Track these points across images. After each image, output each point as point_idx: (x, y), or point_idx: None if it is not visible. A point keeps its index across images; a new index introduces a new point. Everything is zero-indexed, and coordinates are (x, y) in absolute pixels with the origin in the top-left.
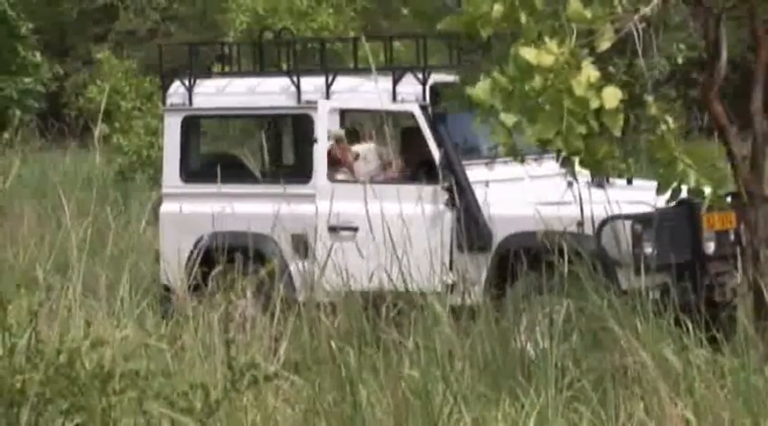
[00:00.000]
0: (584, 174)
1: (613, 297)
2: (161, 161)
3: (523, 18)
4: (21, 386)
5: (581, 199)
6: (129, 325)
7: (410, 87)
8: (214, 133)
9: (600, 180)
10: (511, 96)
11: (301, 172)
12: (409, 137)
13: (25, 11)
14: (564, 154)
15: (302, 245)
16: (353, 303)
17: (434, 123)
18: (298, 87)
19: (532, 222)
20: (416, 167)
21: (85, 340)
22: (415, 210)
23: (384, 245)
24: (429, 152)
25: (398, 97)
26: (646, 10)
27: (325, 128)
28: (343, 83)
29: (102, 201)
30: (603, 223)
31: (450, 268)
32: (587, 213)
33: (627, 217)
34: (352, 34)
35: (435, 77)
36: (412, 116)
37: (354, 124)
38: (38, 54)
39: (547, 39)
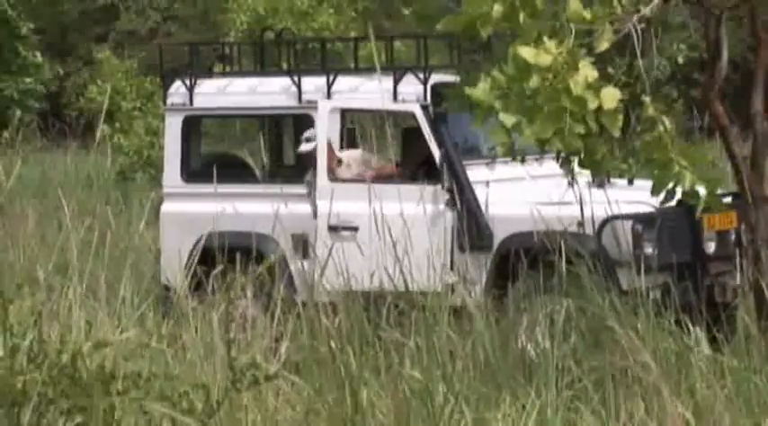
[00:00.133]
0: (584, 174)
1: (614, 297)
2: (162, 161)
3: (522, 18)
4: (22, 387)
5: (581, 199)
6: (130, 326)
7: (411, 87)
8: (215, 133)
9: (600, 180)
10: (509, 96)
11: (302, 171)
12: (410, 137)
13: (26, 11)
14: (563, 154)
15: (303, 245)
16: (354, 303)
17: (435, 123)
18: (299, 87)
19: (533, 222)
20: (417, 167)
21: (87, 340)
22: (416, 210)
23: (384, 245)
24: (430, 152)
25: (399, 97)
26: (645, 10)
27: (325, 127)
28: (343, 83)
29: (102, 201)
30: (604, 223)
31: (451, 268)
32: (588, 213)
33: (627, 216)
34: (352, 34)
35: (436, 77)
36: (413, 116)
37: (353, 125)
38: (39, 54)
39: (546, 39)
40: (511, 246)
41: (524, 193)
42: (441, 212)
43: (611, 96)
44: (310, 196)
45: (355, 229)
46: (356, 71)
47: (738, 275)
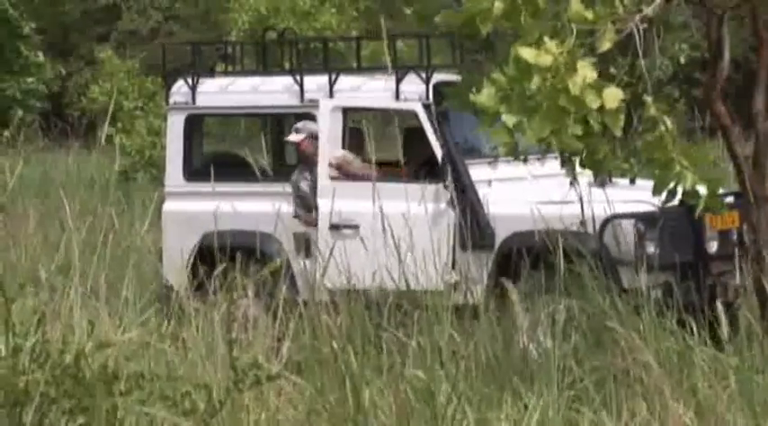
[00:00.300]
0: (586, 174)
1: (615, 297)
2: (163, 161)
3: (524, 19)
4: (25, 386)
5: (581, 199)
6: (132, 326)
7: (413, 86)
8: (217, 132)
9: (602, 179)
10: (510, 96)
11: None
12: (412, 136)
13: (28, 11)
14: (566, 154)
15: (305, 244)
16: (356, 302)
17: (437, 122)
18: (301, 86)
19: (535, 221)
20: (419, 166)
21: (89, 340)
22: (418, 209)
23: (385, 244)
24: (432, 151)
25: (401, 96)
26: (647, 10)
27: (327, 126)
28: (346, 82)
29: (104, 201)
30: (606, 222)
31: (453, 267)
32: (590, 212)
33: (629, 216)
34: (354, 34)
35: (438, 76)
36: (415, 115)
37: (358, 125)
38: (40, 54)
39: (547, 39)
40: (512, 245)
41: (526, 192)
42: (442, 211)
43: (613, 96)
44: (296, 195)
45: (356, 228)
46: (359, 70)
47: (740, 275)
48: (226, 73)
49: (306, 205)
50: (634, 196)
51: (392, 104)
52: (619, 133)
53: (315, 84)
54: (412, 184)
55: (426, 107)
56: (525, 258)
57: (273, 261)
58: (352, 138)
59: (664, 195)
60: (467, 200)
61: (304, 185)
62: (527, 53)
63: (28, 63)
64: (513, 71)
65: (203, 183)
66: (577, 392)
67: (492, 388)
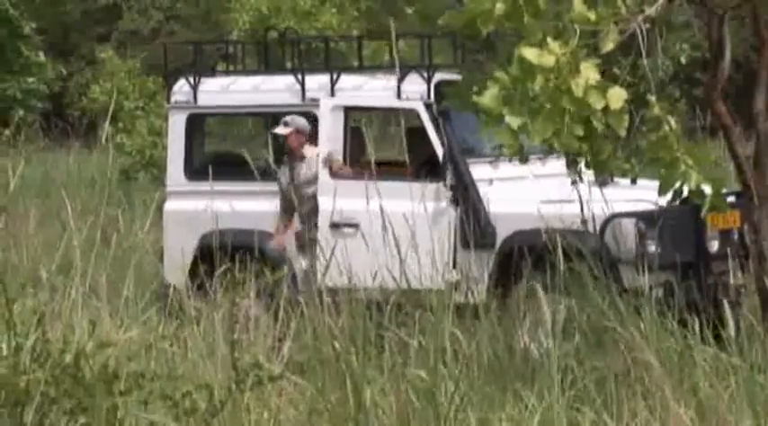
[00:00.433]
0: (588, 173)
1: (616, 296)
2: (164, 160)
3: (527, 19)
4: (25, 386)
5: (580, 198)
6: (133, 326)
7: (415, 85)
8: (218, 131)
9: (604, 178)
10: (513, 97)
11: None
12: (413, 135)
13: (28, 10)
14: (571, 155)
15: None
16: (357, 302)
17: (439, 121)
18: (302, 85)
19: (536, 220)
20: (421, 165)
21: (90, 340)
22: (419, 208)
23: (386, 243)
24: (433, 150)
25: (403, 95)
26: (650, 11)
27: (327, 125)
28: (347, 81)
29: (105, 201)
30: (607, 221)
31: (454, 266)
32: (591, 211)
33: (630, 215)
34: (355, 33)
35: (440, 76)
36: (416, 114)
37: (359, 124)
38: (41, 54)
39: (550, 40)
40: (514, 244)
41: (527, 191)
42: (444, 210)
43: (617, 96)
44: (281, 192)
45: (357, 227)
46: (360, 69)
47: (741, 274)
48: (227, 72)
49: (283, 203)
50: (635, 195)
51: (393, 103)
52: (623, 133)
53: (316, 83)
54: (413, 183)
55: (428, 106)
56: (527, 257)
57: (273, 260)
58: (353, 138)
59: (669, 195)
60: (468, 199)
61: (283, 180)
62: (530, 53)
63: (29, 63)
64: (516, 71)
65: (204, 183)
66: (578, 392)
67: (493, 388)
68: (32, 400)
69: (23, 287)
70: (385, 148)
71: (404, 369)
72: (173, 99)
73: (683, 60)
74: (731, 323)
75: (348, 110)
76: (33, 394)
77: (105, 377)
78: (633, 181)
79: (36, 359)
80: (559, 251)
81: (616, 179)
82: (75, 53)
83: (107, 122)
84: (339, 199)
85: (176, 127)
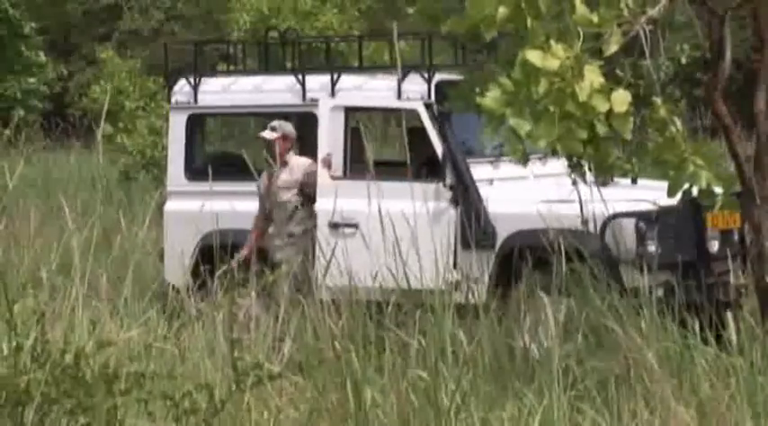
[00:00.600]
0: (589, 173)
1: (617, 296)
2: (165, 161)
3: (529, 22)
4: (26, 386)
5: (580, 198)
6: (133, 326)
7: (415, 85)
8: (219, 131)
9: (604, 179)
10: (516, 100)
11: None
12: (414, 135)
13: (29, 10)
14: (575, 159)
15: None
16: (357, 301)
17: (439, 121)
18: (303, 85)
19: (536, 220)
20: (421, 165)
21: (90, 340)
22: (419, 208)
23: (385, 243)
24: (433, 150)
25: (403, 95)
26: (652, 12)
27: (326, 125)
28: (348, 81)
29: (106, 201)
30: (607, 221)
31: (455, 266)
32: (591, 211)
33: (631, 215)
34: (356, 33)
35: (440, 76)
36: (416, 114)
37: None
38: (42, 54)
39: (553, 42)
40: (514, 244)
41: (528, 192)
42: (444, 210)
43: (621, 100)
44: (259, 197)
45: (356, 227)
46: (361, 70)
47: (741, 274)
48: (227, 72)
49: (260, 209)
50: (635, 195)
51: (394, 104)
52: (629, 136)
53: (317, 83)
54: (413, 183)
55: (428, 106)
56: (527, 257)
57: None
58: (354, 138)
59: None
60: (468, 199)
61: (261, 186)
62: (534, 56)
63: (29, 63)
64: (520, 75)
65: (205, 183)
66: (579, 392)
67: (493, 388)
68: (32, 400)
69: (24, 287)
70: (385, 148)
71: (404, 369)
72: (173, 99)
73: (683, 60)
74: (731, 324)
75: (348, 111)
76: (33, 394)
77: (105, 377)
78: (633, 181)
79: (36, 359)
80: (560, 251)
81: (616, 179)
82: (75, 53)
83: (102, 121)
84: (339, 199)
85: (177, 127)
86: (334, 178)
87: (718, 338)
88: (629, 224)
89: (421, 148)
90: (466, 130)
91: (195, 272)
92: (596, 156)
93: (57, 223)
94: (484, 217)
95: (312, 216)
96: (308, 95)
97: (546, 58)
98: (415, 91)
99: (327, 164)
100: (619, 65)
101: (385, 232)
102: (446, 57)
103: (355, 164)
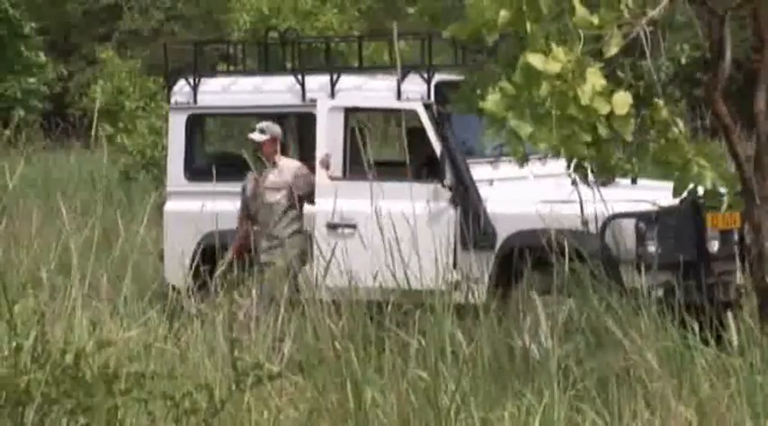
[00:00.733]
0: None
1: (617, 296)
2: (165, 161)
3: (529, 26)
4: (26, 386)
5: (580, 198)
6: (133, 326)
7: (415, 86)
8: (218, 131)
9: (606, 179)
10: (518, 103)
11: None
12: (413, 135)
13: (29, 10)
14: (575, 160)
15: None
16: (356, 302)
17: (439, 121)
18: (302, 85)
19: (536, 220)
20: (421, 165)
21: (90, 340)
22: (417, 208)
23: (383, 244)
24: (433, 150)
25: (403, 95)
26: (653, 13)
27: (325, 126)
28: (347, 81)
29: (106, 201)
30: (607, 221)
31: (454, 266)
32: (591, 212)
33: (631, 215)
34: (356, 34)
35: (440, 76)
36: (416, 115)
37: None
38: (42, 54)
39: (554, 45)
40: (514, 244)
41: (528, 192)
42: (443, 210)
43: (622, 102)
44: (246, 195)
45: (354, 227)
46: (361, 70)
47: (741, 274)
48: (227, 72)
49: (243, 211)
50: (635, 195)
51: (393, 104)
52: (630, 138)
53: (317, 83)
54: (413, 184)
55: (427, 107)
56: (527, 258)
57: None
58: (353, 139)
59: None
60: (468, 199)
61: (249, 187)
62: (535, 60)
63: (29, 63)
64: (521, 78)
65: (205, 183)
66: (578, 392)
67: (493, 388)
68: (33, 400)
69: (24, 287)
70: (386, 148)
71: (404, 369)
72: (173, 100)
73: (683, 60)
74: (732, 325)
75: (348, 111)
76: (34, 394)
77: (105, 377)
78: (633, 182)
79: (36, 359)
80: (559, 251)
81: (616, 179)
82: (75, 53)
83: (95, 120)
84: (338, 200)
85: (176, 127)
86: (332, 179)
87: (719, 338)
88: (629, 224)
89: (420, 149)
90: (466, 131)
91: (195, 272)
92: (598, 158)
93: (57, 223)
94: (484, 217)
95: (300, 218)
96: (308, 96)
97: (547, 62)
98: (415, 91)
99: (326, 164)
100: (619, 65)
101: (384, 232)
102: (446, 57)
103: (354, 165)
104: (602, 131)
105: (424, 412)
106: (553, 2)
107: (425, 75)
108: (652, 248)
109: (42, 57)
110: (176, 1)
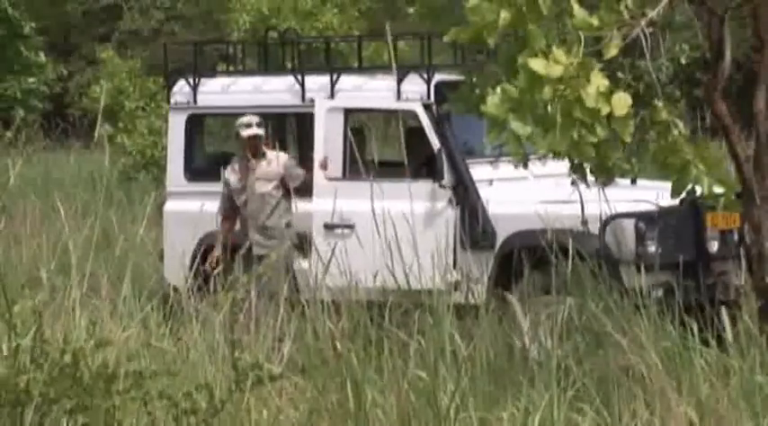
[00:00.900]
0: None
1: (616, 296)
2: (165, 161)
3: (530, 27)
4: (25, 386)
5: (581, 198)
6: (133, 325)
7: (414, 86)
8: (218, 131)
9: (605, 180)
10: (521, 107)
11: (303, 170)
12: (413, 135)
13: (29, 10)
14: (576, 161)
15: (306, 244)
16: (356, 302)
17: (438, 122)
18: (302, 85)
19: (536, 220)
20: (420, 166)
21: (90, 340)
22: (417, 208)
23: (383, 243)
24: (432, 150)
25: (403, 96)
26: (652, 14)
27: (323, 127)
28: (347, 82)
29: (106, 201)
30: (607, 221)
31: (454, 266)
32: (591, 212)
33: (631, 215)
34: (356, 34)
35: (439, 76)
36: (415, 115)
37: (362, 125)
38: (42, 54)
39: (554, 47)
40: (514, 245)
41: (527, 192)
42: (442, 210)
43: (622, 102)
44: (227, 193)
45: (351, 227)
46: (361, 70)
47: (741, 274)
48: (227, 72)
49: (225, 205)
50: (635, 195)
51: (392, 104)
52: (629, 139)
53: (316, 83)
54: (412, 184)
55: (427, 107)
56: (526, 258)
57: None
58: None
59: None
60: (468, 200)
61: (233, 179)
62: (537, 65)
63: (29, 63)
64: (523, 83)
65: (205, 183)
66: (578, 392)
67: (493, 388)
68: (32, 400)
69: (23, 287)
70: (386, 148)
71: (404, 369)
72: (173, 100)
73: (683, 61)
74: (727, 326)
75: (347, 112)
76: (33, 394)
77: (105, 376)
78: (633, 182)
79: (35, 359)
80: (560, 251)
81: (616, 179)
82: (75, 53)
83: (98, 120)
84: (337, 200)
85: (176, 127)
86: (330, 179)
87: (719, 338)
88: (629, 224)
89: (420, 149)
90: (466, 131)
91: (195, 272)
92: (597, 158)
93: (56, 223)
94: (483, 217)
95: (290, 210)
96: (308, 96)
97: (548, 66)
98: (415, 91)
99: (324, 165)
100: (618, 66)
101: (382, 232)
102: (446, 57)
103: (354, 165)
104: (601, 132)
105: (423, 412)
106: (552, 3)
107: (425, 76)
108: (652, 248)
109: (42, 57)
110: (176, 1)
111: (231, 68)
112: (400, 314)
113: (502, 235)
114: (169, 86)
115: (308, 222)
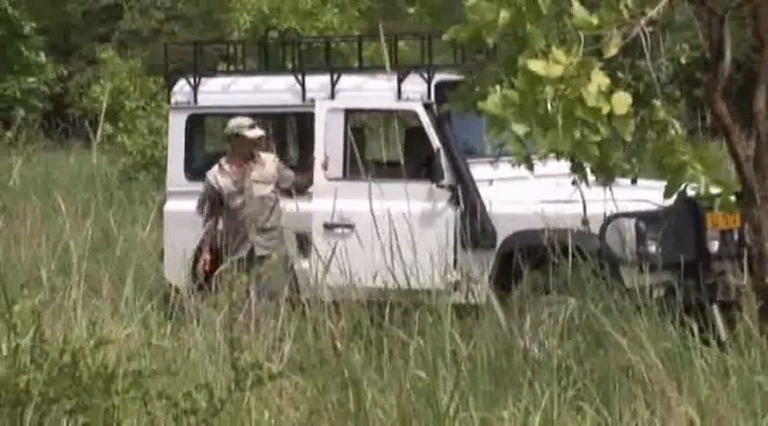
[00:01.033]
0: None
1: (617, 296)
2: (165, 161)
3: (529, 27)
4: (25, 386)
5: (583, 198)
6: (133, 325)
7: (415, 86)
8: (219, 131)
9: (606, 179)
10: (522, 107)
11: (303, 169)
12: (413, 135)
13: (29, 10)
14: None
15: (306, 244)
16: (355, 302)
17: (439, 121)
18: (302, 85)
19: (536, 220)
20: (420, 166)
21: (90, 339)
22: (417, 208)
23: (381, 244)
24: (433, 150)
25: (403, 96)
26: (652, 13)
27: (323, 127)
28: (347, 82)
29: (106, 201)
30: (608, 221)
31: (454, 266)
32: (592, 212)
33: (631, 215)
34: (356, 34)
35: (440, 76)
36: (415, 115)
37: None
38: (42, 54)
39: (554, 47)
40: (514, 245)
41: (528, 192)
42: (443, 210)
43: (622, 101)
44: (230, 192)
45: (351, 227)
46: (361, 70)
47: (741, 274)
48: (227, 72)
49: (210, 209)
50: (636, 195)
51: (393, 104)
52: (629, 138)
53: (317, 83)
54: (411, 184)
55: (427, 107)
56: (527, 257)
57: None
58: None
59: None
60: (468, 199)
61: (222, 182)
62: (536, 66)
63: (29, 63)
64: (524, 84)
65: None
66: (579, 392)
67: (493, 388)
68: (32, 400)
69: (23, 287)
70: (386, 148)
71: (404, 369)
72: (173, 99)
73: (683, 60)
74: (720, 326)
75: (347, 112)
76: (33, 394)
77: (104, 376)
78: (633, 182)
79: (35, 359)
80: (560, 251)
81: (616, 179)
82: (75, 53)
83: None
84: (337, 200)
85: (176, 127)
86: (330, 179)
87: (719, 338)
88: (630, 224)
89: (421, 149)
90: (466, 131)
91: (195, 272)
92: (599, 158)
93: (56, 223)
94: (484, 217)
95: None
96: (308, 95)
97: (548, 66)
98: (415, 91)
99: (324, 165)
100: (618, 65)
101: (382, 232)
102: (446, 57)
103: (354, 165)
104: (604, 131)
105: (423, 412)
106: (552, 2)
107: (425, 75)
108: (652, 248)
109: (42, 57)
110: (176, 1)
111: (231, 68)
112: (400, 313)
113: (502, 234)
114: (169, 86)
115: (308, 222)
